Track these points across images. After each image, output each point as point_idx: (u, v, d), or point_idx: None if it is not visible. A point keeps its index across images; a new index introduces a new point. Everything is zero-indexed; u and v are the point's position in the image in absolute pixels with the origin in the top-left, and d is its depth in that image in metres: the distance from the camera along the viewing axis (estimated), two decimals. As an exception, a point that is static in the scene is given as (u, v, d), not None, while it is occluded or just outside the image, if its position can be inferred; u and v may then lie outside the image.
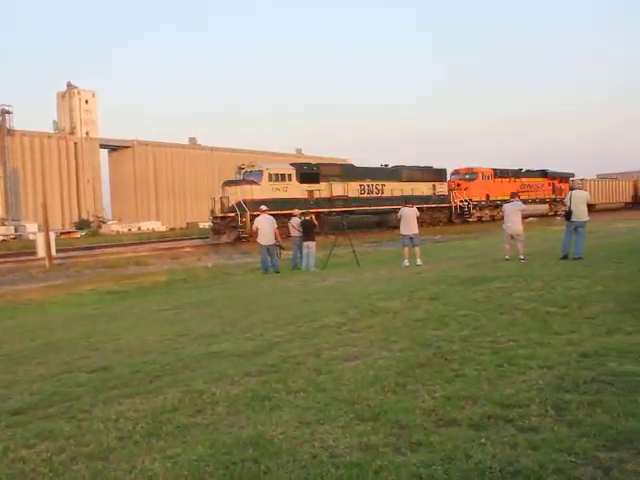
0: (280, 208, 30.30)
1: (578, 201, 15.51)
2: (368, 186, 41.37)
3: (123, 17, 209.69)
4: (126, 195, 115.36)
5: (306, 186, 37.38)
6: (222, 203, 35.23)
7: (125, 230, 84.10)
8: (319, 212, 34.87)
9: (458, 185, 48.21)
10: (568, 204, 15.62)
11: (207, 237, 39.48)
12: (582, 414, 4.19)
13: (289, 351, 6.91)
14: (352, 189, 39.98)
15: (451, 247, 24.89)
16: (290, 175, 36.73)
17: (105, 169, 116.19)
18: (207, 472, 3.74)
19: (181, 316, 11.04)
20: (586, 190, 19.67)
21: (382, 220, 41.33)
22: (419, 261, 17.28)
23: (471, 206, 47.94)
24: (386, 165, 45.34)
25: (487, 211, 49.92)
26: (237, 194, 34.13)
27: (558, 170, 58.98)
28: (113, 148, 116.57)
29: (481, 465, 3.51)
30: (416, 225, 18.00)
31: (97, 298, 16.12)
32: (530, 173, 55.47)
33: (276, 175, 36.05)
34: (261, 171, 35.75)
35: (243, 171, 36.75)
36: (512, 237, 16.09)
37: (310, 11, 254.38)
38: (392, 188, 42.65)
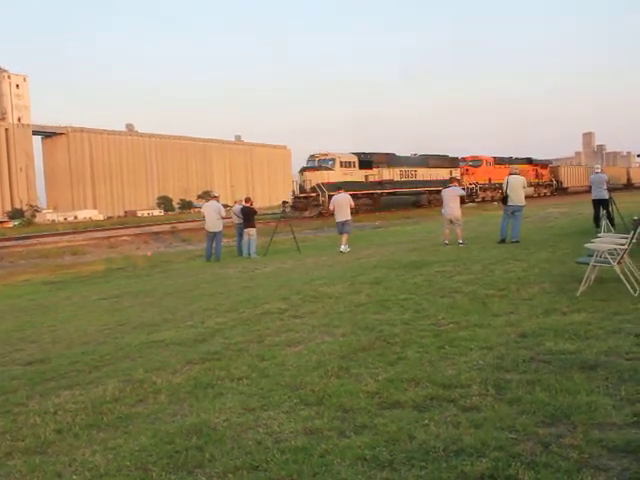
0: (347, 189, 35.57)
1: (515, 186, 15.75)
2: (406, 172, 48.26)
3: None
4: (61, 183, 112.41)
5: (364, 172, 43.72)
6: (301, 186, 41.59)
7: (61, 219, 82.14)
8: (373, 193, 43.50)
9: (467, 170, 54.61)
10: (505, 189, 15.86)
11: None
12: (521, 392, 4.29)
13: (231, 338, 6.86)
14: (395, 174, 46.75)
15: (391, 233, 25.11)
16: (354, 162, 43.21)
17: (39, 156, 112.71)
18: (150, 462, 3.68)
19: (120, 305, 10.84)
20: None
21: (417, 200, 48.88)
22: (342, 247, 17.18)
23: (477, 188, 54.26)
24: (415, 154, 52.57)
25: (489, 192, 56.00)
26: (316, 178, 40.28)
27: (539, 158, 68.64)
28: (47, 135, 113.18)
29: (425, 445, 3.56)
30: (348, 212, 17.93)
31: (32, 289, 15.65)
32: (518, 160, 61.79)
33: (345, 162, 42.57)
34: (334, 159, 42.06)
35: (317, 159, 42.75)
36: (451, 222, 16.32)
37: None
38: (423, 173, 49.71)
